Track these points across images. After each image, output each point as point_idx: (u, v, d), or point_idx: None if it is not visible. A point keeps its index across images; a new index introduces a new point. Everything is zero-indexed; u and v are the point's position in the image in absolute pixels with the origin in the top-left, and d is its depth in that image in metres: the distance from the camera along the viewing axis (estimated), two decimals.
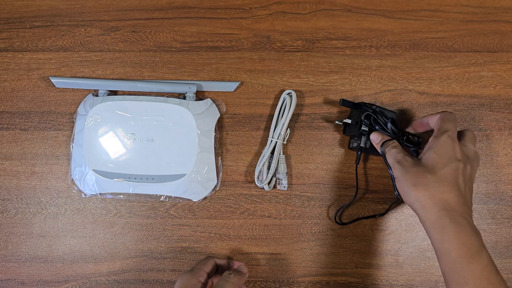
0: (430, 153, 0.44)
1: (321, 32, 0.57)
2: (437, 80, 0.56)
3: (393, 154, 0.47)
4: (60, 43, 0.56)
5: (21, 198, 0.54)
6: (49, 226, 0.54)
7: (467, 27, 0.57)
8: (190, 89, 0.54)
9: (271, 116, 0.55)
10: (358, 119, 0.51)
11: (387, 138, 0.49)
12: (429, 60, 0.56)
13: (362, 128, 0.50)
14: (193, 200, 0.54)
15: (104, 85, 0.55)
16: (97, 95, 0.54)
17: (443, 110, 0.53)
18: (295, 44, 0.56)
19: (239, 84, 0.55)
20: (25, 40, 0.57)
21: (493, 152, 0.55)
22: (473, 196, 0.54)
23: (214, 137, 0.53)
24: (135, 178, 0.51)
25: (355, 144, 0.53)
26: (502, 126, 0.55)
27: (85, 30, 0.57)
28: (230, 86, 0.55)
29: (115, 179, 0.52)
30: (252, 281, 0.54)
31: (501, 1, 0.57)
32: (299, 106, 0.55)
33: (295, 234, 0.54)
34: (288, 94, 0.53)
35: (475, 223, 0.54)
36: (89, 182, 0.52)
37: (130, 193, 0.53)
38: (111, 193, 0.53)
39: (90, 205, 0.54)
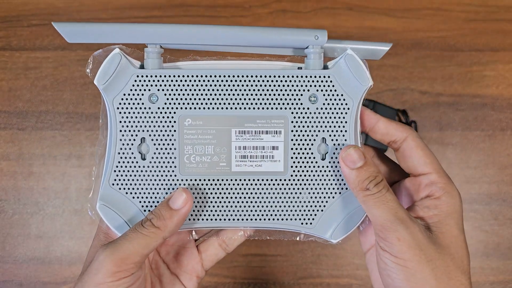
0: (453, 229, 0.27)
1: None
2: (439, 79, 0.55)
3: (392, 207, 0.26)
4: (58, 41, 0.56)
5: (19, 199, 0.54)
6: (47, 227, 0.53)
7: (469, 26, 0.56)
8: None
9: None
10: None
11: (372, 166, 0.28)
12: (431, 59, 0.56)
13: None
14: None
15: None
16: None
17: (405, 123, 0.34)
18: None
19: None
20: (22, 39, 0.56)
21: (495, 152, 0.55)
22: (475, 197, 0.54)
23: None
24: None
25: None
26: (505, 126, 0.55)
27: None
28: None
29: None
30: (252, 283, 0.53)
31: None
32: None
33: (296, 235, 0.53)
34: None
35: (477, 225, 0.54)
36: None
37: None
38: None
39: (88, 206, 0.53)
